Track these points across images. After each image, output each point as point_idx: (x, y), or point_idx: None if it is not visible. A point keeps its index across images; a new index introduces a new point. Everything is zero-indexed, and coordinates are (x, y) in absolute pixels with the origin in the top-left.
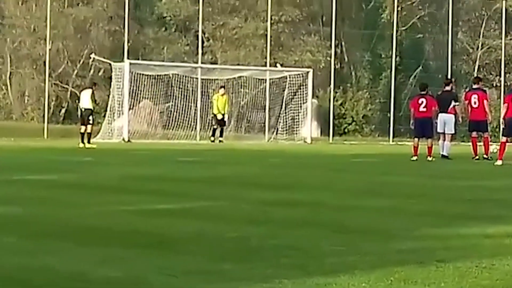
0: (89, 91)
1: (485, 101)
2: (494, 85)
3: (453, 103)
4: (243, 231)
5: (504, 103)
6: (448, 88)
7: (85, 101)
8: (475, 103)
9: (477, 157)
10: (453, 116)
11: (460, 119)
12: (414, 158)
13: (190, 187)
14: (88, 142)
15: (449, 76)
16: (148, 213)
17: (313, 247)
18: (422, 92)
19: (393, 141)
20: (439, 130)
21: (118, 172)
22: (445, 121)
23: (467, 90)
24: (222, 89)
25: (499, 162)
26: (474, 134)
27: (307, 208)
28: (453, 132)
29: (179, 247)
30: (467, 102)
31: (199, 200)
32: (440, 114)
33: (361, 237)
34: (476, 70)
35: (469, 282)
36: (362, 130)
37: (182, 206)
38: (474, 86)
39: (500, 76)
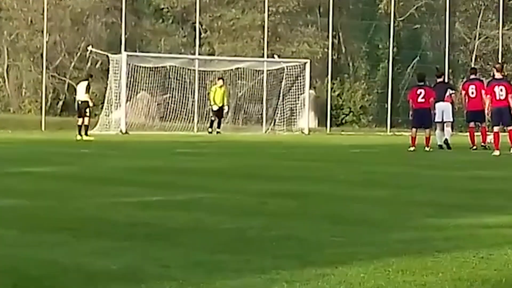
0: (85, 83)
1: (482, 91)
2: (491, 75)
3: (449, 91)
4: (241, 223)
5: (486, 94)
6: (440, 79)
7: (81, 93)
8: (472, 93)
9: (474, 147)
10: (450, 104)
11: (456, 107)
12: (412, 148)
13: (187, 178)
14: (86, 134)
15: (446, 67)
16: (145, 205)
17: (311, 238)
18: (420, 83)
19: (390, 132)
20: (438, 119)
21: (115, 164)
22: (443, 109)
23: (464, 80)
24: (221, 80)
25: (496, 153)
26: (471, 124)
27: (305, 199)
28: (452, 120)
29: (176, 238)
30: (464, 92)
31: (196, 191)
32: (437, 104)
33: (359, 228)
34: (473, 61)
35: (467, 272)
36: (359, 121)
37: (179, 197)
38: (472, 77)
39: (503, 66)
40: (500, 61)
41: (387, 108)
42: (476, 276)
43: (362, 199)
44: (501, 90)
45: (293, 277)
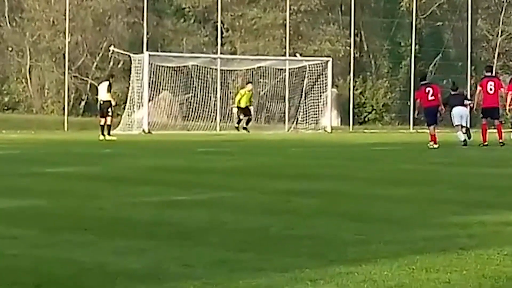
0: (106, 83)
1: (502, 89)
2: None
3: (466, 101)
4: (263, 221)
5: (509, 91)
6: (456, 92)
7: (103, 93)
8: (491, 89)
9: (486, 143)
10: (468, 109)
11: (475, 108)
12: (436, 146)
13: (210, 177)
14: (108, 134)
15: (468, 64)
16: (167, 204)
17: (334, 236)
18: (425, 82)
19: (413, 129)
20: (457, 122)
21: (138, 163)
22: (462, 115)
23: (482, 77)
24: (250, 84)
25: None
26: (484, 120)
27: (327, 197)
28: (469, 126)
29: (199, 238)
30: (481, 89)
31: (218, 190)
32: (456, 107)
33: (382, 226)
34: (496, 57)
35: (491, 269)
36: (382, 118)
37: (202, 197)
38: (487, 74)
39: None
40: None
41: (409, 105)
42: (501, 273)
43: (384, 197)
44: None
45: (316, 276)
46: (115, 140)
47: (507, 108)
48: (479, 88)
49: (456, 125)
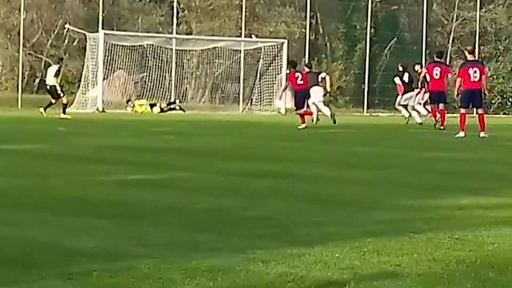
0: (56, 67)
1: (449, 75)
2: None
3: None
4: (218, 202)
5: (459, 76)
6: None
7: (50, 77)
8: (436, 74)
9: (442, 127)
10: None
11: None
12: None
13: (165, 157)
14: (63, 112)
15: (423, 48)
16: (122, 184)
17: (288, 218)
18: (472, 59)
19: (367, 113)
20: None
21: (92, 142)
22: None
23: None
24: None
25: (461, 134)
26: (431, 106)
27: (282, 179)
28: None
29: (153, 217)
30: (426, 72)
31: (174, 171)
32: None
33: (336, 208)
34: (450, 42)
35: (442, 253)
36: (336, 101)
37: (156, 177)
38: (437, 59)
39: (474, 48)
40: (478, 43)
41: (364, 88)
42: (451, 257)
43: (339, 180)
44: (475, 72)
45: (269, 257)
46: (69, 119)
47: (456, 93)
48: (424, 71)
49: (402, 105)
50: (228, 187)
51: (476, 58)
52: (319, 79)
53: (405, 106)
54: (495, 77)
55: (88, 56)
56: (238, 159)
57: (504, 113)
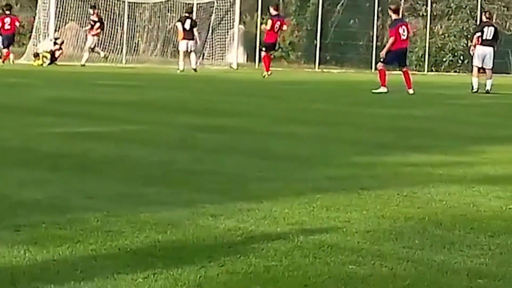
0: None
1: (284, 26)
2: (421, 14)
3: None
4: (167, 156)
5: (391, 36)
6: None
7: None
8: (277, 27)
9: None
10: None
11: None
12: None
13: (115, 110)
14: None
15: (375, 5)
16: (71, 136)
17: (238, 173)
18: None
19: (319, 69)
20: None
21: (41, 94)
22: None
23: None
24: None
25: (411, 91)
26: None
27: (233, 134)
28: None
29: (102, 170)
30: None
31: (123, 124)
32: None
33: (285, 164)
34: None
35: (391, 209)
36: (288, 56)
37: (106, 129)
38: (276, 13)
39: (426, 5)
40: (430, 0)
41: (316, 44)
42: (400, 213)
43: (289, 135)
44: (404, 30)
45: (218, 211)
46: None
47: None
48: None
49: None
50: (178, 141)
51: (400, 16)
52: None
53: None
54: (446, 35)
55: (39, 7)
56: (189, 113)
57: (455, 71)
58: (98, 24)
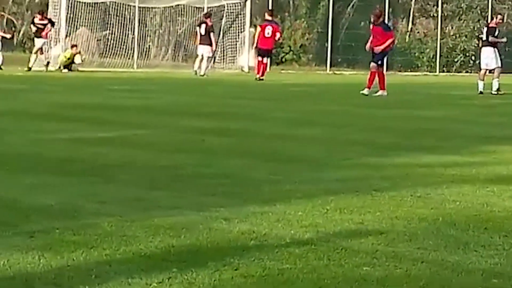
0: None
1: (277, 34)
2: (432, 15)
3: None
4: (177, 160)
5: (390, 37)
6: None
7: None
8: (268, 33)
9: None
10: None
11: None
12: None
13: (125, 115)
14: None
15: (386, 6)
16: (81, 141)
17: (248, 176)
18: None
19: (330, 71)
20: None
21: (52, 99)
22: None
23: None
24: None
25: (365, 91)
26: (261, 59)
27: (242, 137)
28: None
29: (113, 175)
30: (260, 31)
31: (133, 128)
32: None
33: (297, 166)
34: (413, 0)
35: (404, 210)
36: (299, 59)
37: (116, 134)
38: (269, 18)
39: (437, 6)
40: (441, 0)
41: (327, 47)
42: (413, 214)
43: (300, 138)
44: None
45: (231, 215)
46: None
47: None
48: (258, 29)
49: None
50: (188, 145)
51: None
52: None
53: None
54: (458, 35)
55: (50, 13)
56: (198, 117)
57: (467, 72)
58: (49, 25)
